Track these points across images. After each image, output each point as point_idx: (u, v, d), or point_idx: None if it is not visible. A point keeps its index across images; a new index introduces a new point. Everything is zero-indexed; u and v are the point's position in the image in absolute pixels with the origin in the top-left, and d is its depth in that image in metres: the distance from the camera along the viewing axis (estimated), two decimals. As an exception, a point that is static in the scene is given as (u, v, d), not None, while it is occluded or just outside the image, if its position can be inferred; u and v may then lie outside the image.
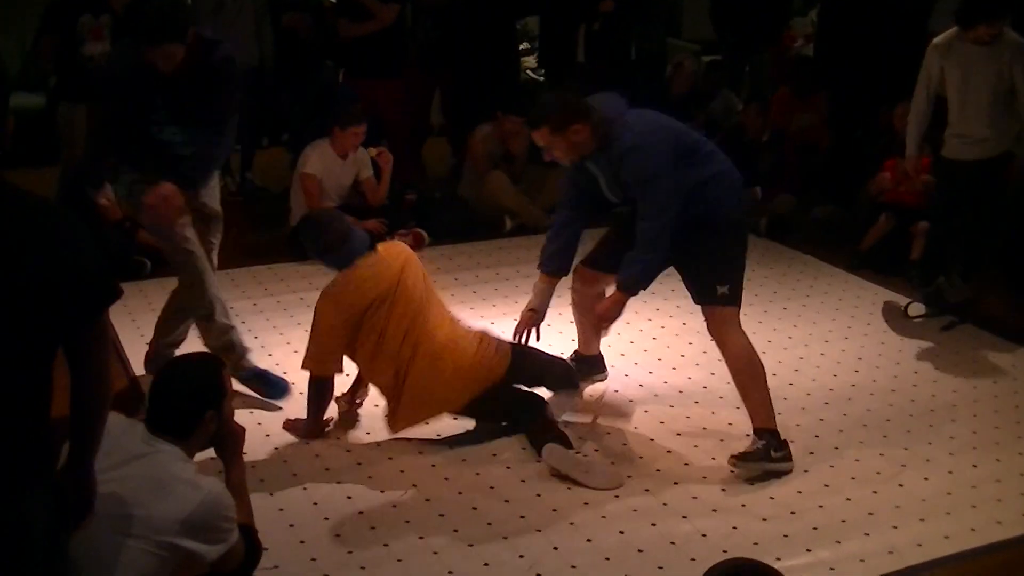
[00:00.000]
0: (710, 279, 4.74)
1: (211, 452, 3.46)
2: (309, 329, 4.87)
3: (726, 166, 4.79)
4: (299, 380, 5.37)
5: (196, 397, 3.26)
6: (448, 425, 4.97)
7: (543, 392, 5.03)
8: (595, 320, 5.05)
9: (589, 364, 5.46)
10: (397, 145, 8.01)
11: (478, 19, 8.56)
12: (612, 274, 4.87)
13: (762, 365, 4.76)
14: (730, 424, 5.04)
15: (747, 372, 4.76)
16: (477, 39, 8.59)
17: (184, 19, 4.61)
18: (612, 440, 4.91)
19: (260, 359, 5.56)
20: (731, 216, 4.75)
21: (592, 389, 5.37)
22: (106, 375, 2.67)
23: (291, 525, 4.19)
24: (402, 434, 4.87)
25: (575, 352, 5.48)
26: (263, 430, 4.91)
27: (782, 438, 4.70)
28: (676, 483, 4.56)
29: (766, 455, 4.62)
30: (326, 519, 4.24)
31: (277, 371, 5.47)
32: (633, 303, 4.94)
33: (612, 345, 5.84)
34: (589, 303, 5.11)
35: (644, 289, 4.82)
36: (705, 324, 4.84)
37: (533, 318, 5.00)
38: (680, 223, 4.62)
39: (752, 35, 9.18)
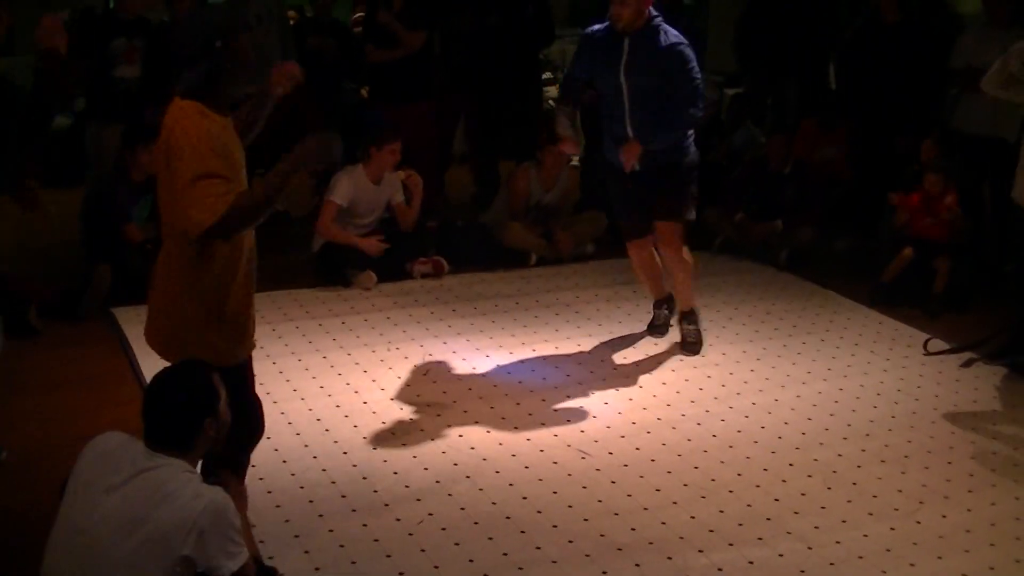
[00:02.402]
0: None
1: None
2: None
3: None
4: (316, 407, 5.39)
5: (191, 409, 3.17)
6: (465, 455, 4.99)
7: None
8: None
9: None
10: (421, 171, 8.03)
11: (505, 47, 8.57)
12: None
13: None
14: (748, 458, 5.03)
15: None
16: (503, 67, 8.61)
17: None
18: (629, 472, 4.90)
19: (278, 386, 5.58)
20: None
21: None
22: None
23: (306, 552, 4.19)
24: (416, 463, 4.91)
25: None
26: (280, 455, 4.92)
27: None
28: (693, 516, 4.54)
29: None
30: (341, 547, 4.24)
31: (294, 397, 5.49)
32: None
33: (630, 376, 5.85)
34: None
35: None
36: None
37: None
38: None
39: (776, 68, 9.17)
